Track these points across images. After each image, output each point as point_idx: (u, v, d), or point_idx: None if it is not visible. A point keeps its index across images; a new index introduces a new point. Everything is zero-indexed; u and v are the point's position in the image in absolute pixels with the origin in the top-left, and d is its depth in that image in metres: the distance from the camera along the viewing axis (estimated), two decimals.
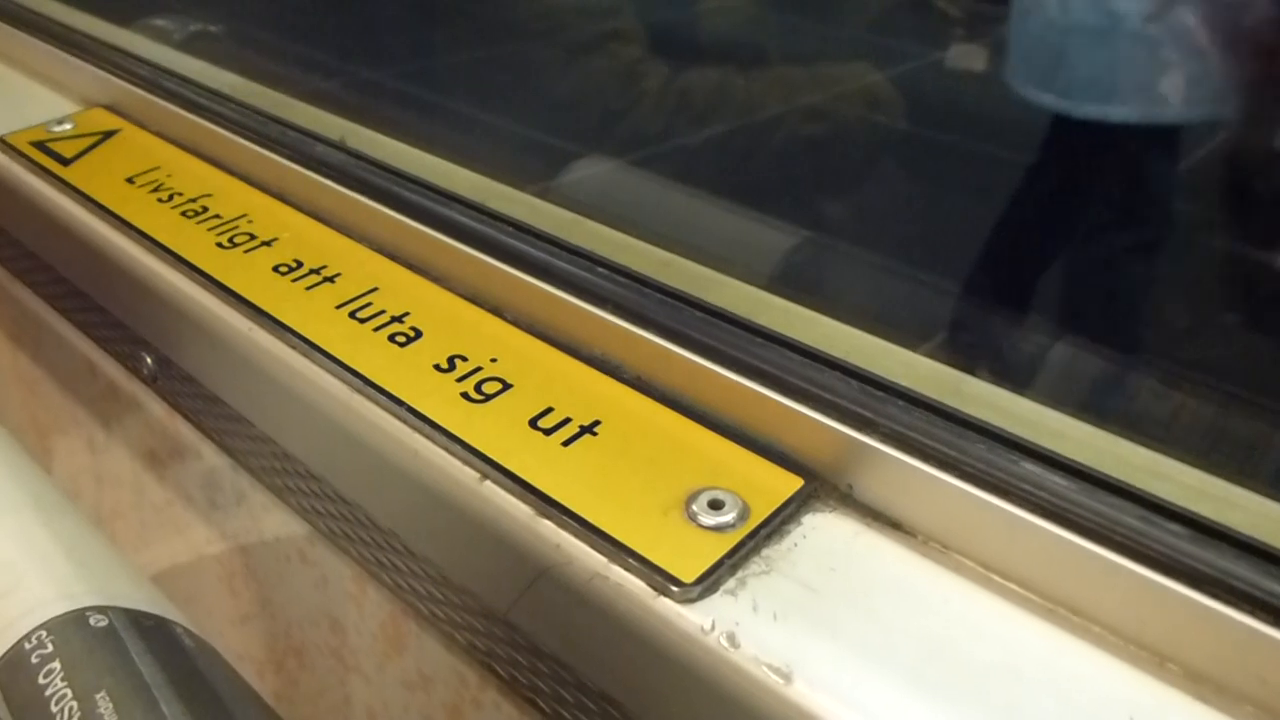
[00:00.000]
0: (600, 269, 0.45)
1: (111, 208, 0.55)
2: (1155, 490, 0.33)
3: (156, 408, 0.58)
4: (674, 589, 0.33)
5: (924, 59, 1.52)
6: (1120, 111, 1.07)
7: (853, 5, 1.65)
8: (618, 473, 0.38)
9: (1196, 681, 0.31)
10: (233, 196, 0.56)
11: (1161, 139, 1.08)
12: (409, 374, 0.43)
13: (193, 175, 0.58)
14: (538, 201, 0.53)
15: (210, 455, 0.55)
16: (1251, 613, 0.30)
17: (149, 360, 0.55)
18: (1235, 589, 0.30)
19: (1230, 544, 0.31)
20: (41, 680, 0.35)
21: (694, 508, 0.36)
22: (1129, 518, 0.32)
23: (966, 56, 1.47)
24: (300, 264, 0.50)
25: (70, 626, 0.37)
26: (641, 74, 1.37)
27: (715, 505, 0.36)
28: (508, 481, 0.38)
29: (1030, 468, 0.34)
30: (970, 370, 0.41)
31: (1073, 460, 0.34)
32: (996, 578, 0.34)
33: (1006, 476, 0.34)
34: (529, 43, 1.46)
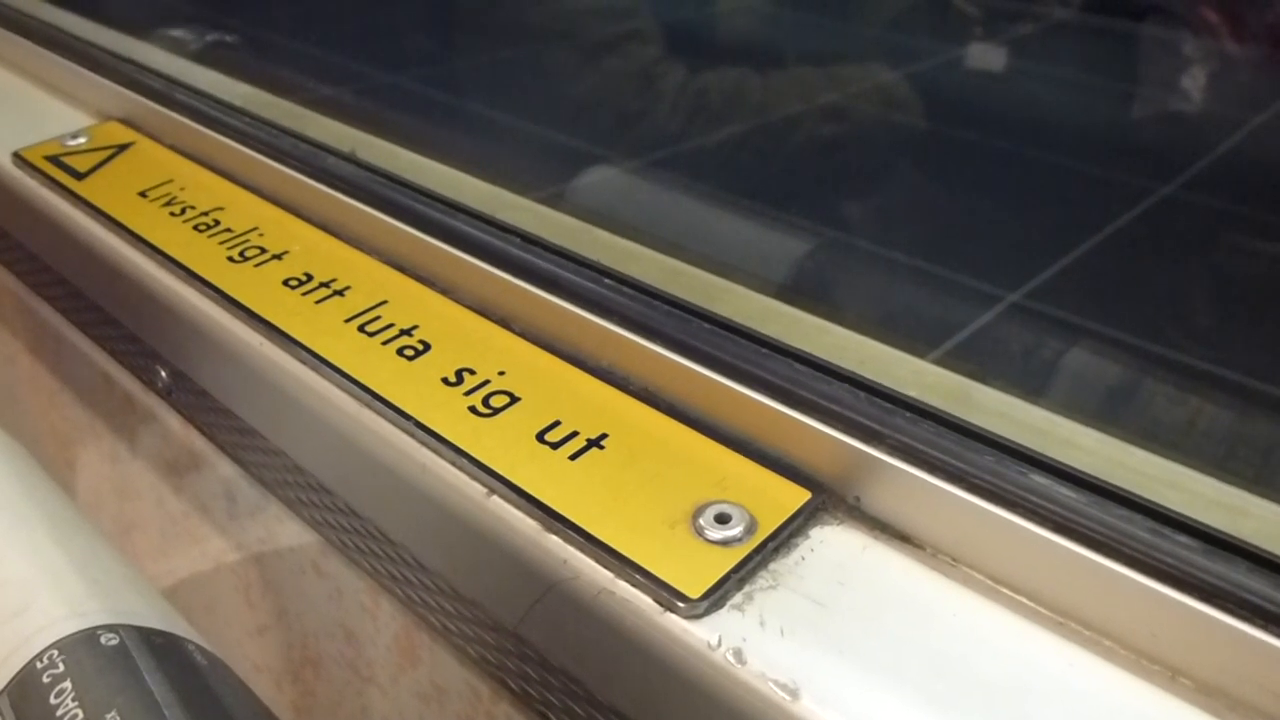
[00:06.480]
0: (608, 280, 0.45)
1: (124, 222, 0.55)
2: (1166, 500, 0.33)
3: (172, 420, 0.59)
4: (680, 605, 0.33)
5: (942, 58, 1.51)
6: None
7: (871, 4, 1.64)
8: (625, 486, 0.38)
9: (1209, 695, 0.30)
10: (244, 210, 0.56)
11: None
12: (417, 388, 0.43)
13: (205, 188, 0.59)
14: (546, 210, 0.53)
15: (225, 468, 0.56)
16: (1264, 626, 0.29)
17: (163, 374, 0.55)
18: (1247, 602, 0.30)
19: (1242, 556, 0.31)
20: (53, 700, 0.35)
21: (701, 521, 0.36)
22: (1139, 530, 0.32)
23: (984, 55, 1.46)
24: (310, 277, 0.50)
25: (81, 646, 0.37)
26: (659, 74, 1.37)
27: (722, 519, 0.36)
28: (514, 496, 0.38)
29: (1039, 480, 0.34)
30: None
31: (1082, 471, 0.34)
32: (1006, 591, 0.34)
33: (1015, 489, 0.33)
34: (547, 44, 1.46)
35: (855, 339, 0.44)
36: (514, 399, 0.42)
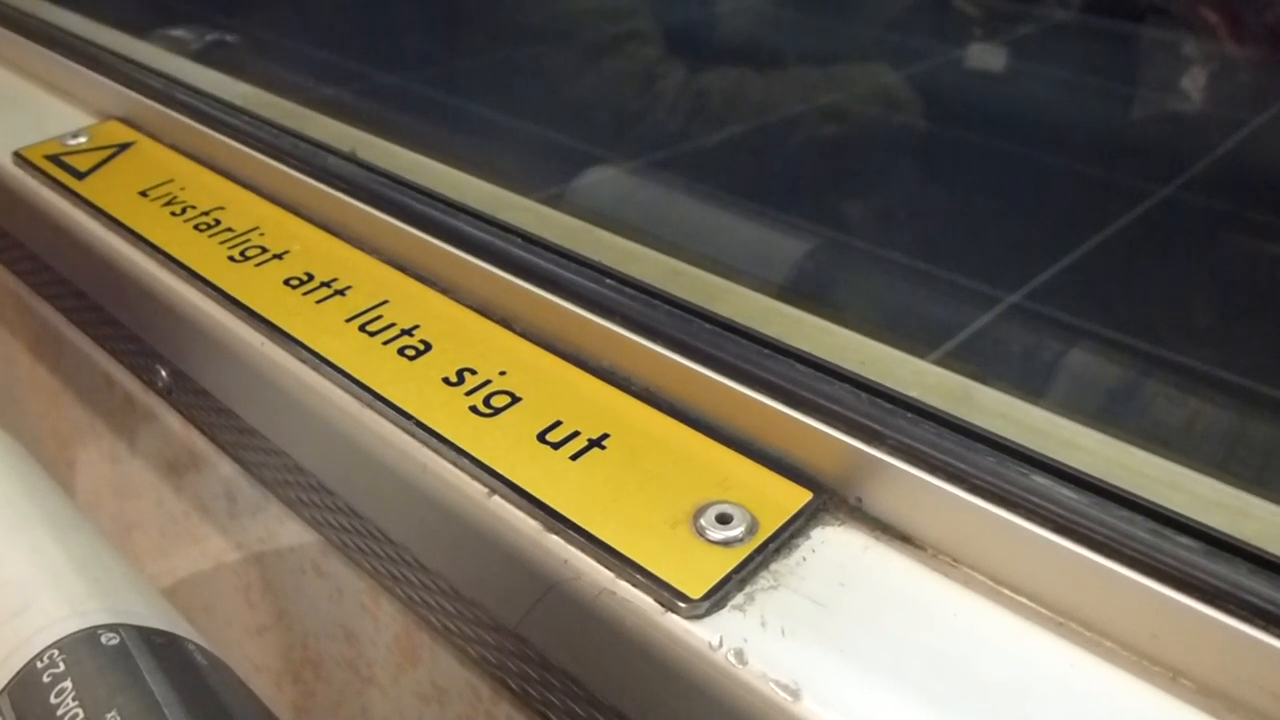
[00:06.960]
0: (609, 280, 0.45)
1: (125, 221, 0.55)
2: (1167, 501, 0.33)
3: (173, 420, 0.59)
4: (681, 605, 0.33)
5: (942, 58, 1.52)
6: None
7: (871, 4, 1.64)
8: (626, 487, 0.38)
9: (1209, 697, 0.30)
10: (245, 209, 0.56)
11: None
12: (418, 388, 0.43)
13: (205, 188, 0.59)
14: (547, 210, 0.53)
15: (226, 467, 0.55)
16: (1265, 628, 0.29)
17: (163, 373, 0.55)
18: (1248, 603, 0.30)
19: (1243, 557, 0.31)
20: (53, 700, 0.35)
21: (702, 522, 0.36)
22: (1140, 531, 0.32)
23: (984, 56, 1.46)
24: (311, 277, 0.50)
25: (82, 645, 0.37)
26: (659, 74, 1.37)
27: (723, 519, 0.36)
28: (516, 496, 0.38)
29: (1040, 480, 0.34)
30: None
31: (1083, 472, 0.34)
32: (1007, 591, 0.34)
33: (1016, 490, 0.33)
34: (547, 44, 1.46)
35: (856, 339, 0.44)
36: (515, 399, 0.42)
